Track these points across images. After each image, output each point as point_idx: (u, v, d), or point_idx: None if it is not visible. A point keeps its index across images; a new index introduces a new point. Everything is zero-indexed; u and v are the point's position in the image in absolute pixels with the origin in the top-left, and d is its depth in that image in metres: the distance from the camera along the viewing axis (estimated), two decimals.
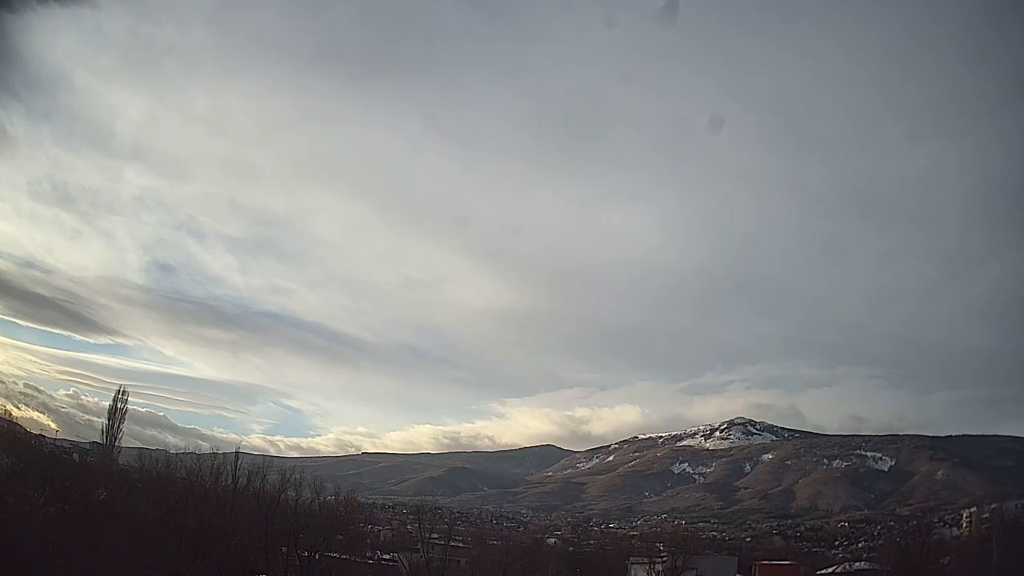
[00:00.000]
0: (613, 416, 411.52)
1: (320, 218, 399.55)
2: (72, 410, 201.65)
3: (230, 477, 57.16)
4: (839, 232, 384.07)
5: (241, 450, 69.39)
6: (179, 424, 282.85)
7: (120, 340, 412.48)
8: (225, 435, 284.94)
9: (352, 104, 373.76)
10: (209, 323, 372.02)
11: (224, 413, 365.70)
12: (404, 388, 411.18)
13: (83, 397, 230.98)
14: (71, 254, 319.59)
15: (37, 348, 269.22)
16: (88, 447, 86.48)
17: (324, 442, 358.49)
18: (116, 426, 75.55)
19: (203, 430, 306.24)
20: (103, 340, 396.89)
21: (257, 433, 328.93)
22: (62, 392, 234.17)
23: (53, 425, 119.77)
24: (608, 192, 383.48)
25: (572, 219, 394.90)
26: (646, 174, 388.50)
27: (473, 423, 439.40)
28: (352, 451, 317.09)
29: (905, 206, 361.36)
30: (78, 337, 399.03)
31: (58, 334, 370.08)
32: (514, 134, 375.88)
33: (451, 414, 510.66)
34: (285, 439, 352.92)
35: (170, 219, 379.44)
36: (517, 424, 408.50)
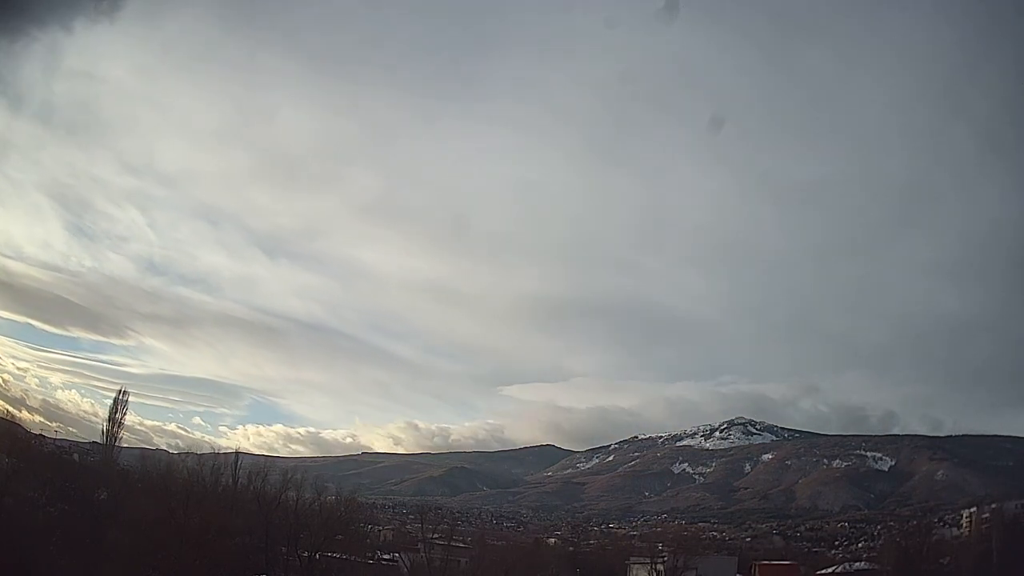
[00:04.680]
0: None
1: (200, 170, 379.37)
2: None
3: (231, 477, 57.17)
4: (763, 159, 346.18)
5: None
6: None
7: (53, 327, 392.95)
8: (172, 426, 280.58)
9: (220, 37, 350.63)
10: (147, 300, 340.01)
11: (194, 408, 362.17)
12: (352, 371, 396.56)
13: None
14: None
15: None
16: (88, 447, 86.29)
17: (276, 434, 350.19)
18: (116, 426, 75.25)
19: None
20: (56, 329, 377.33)
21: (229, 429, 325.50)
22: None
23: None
24: (504, 126, 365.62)
25: (465, 160, 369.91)
26: (547, 105, 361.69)
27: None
28: (353, 451, 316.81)
29: (841, 124, 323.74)
30: (39, 325, 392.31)
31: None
32: (394, 61, 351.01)
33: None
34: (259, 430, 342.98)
35: (67, 171, 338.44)
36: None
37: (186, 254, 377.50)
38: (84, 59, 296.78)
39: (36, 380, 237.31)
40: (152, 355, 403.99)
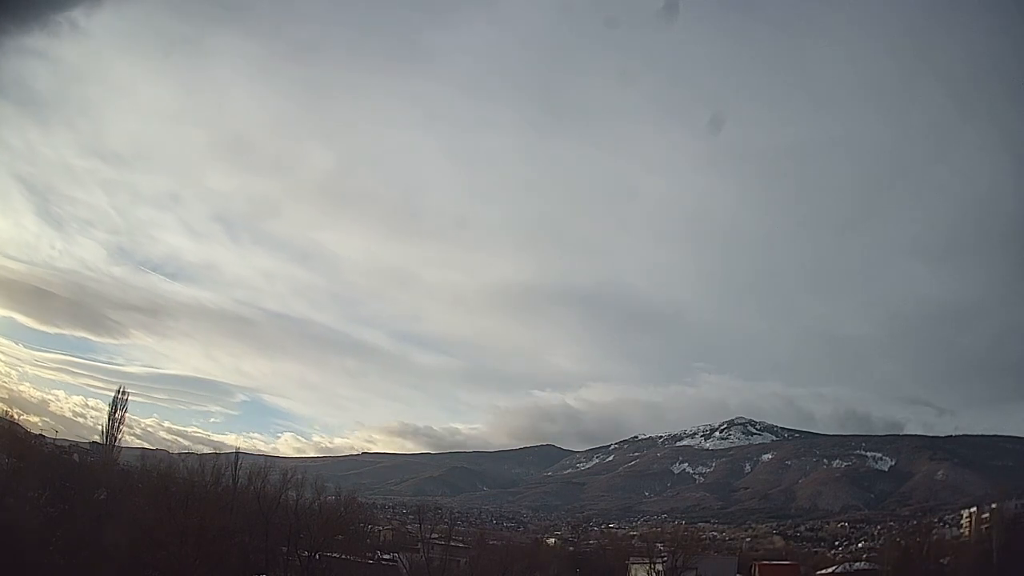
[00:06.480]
0: None
1: (156, 150, 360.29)
2: None
3: (231, 478, 57.20)
4: (735, 124, 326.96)
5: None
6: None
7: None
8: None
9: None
10: (120, 288, 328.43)
11: (184, 407, 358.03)
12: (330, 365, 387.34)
13: None
14: None
15: None
16: (88, 447, 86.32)
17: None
18: (116, 426, 75.23)
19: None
20: (39, 325, 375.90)
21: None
22: None
23: None
24: (456, 96, 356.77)
25: (418, 137, 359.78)
26: (499, 74, 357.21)
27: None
28: (353, 451, 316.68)
29: (814, 88, 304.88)
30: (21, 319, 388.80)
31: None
32: (344, 35, 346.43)
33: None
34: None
35: (28, 151, 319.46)
36: None
37: (150, 237, 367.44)
38: (33, 37, 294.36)
39: (24, 377, 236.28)
40: (138, 350, 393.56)
